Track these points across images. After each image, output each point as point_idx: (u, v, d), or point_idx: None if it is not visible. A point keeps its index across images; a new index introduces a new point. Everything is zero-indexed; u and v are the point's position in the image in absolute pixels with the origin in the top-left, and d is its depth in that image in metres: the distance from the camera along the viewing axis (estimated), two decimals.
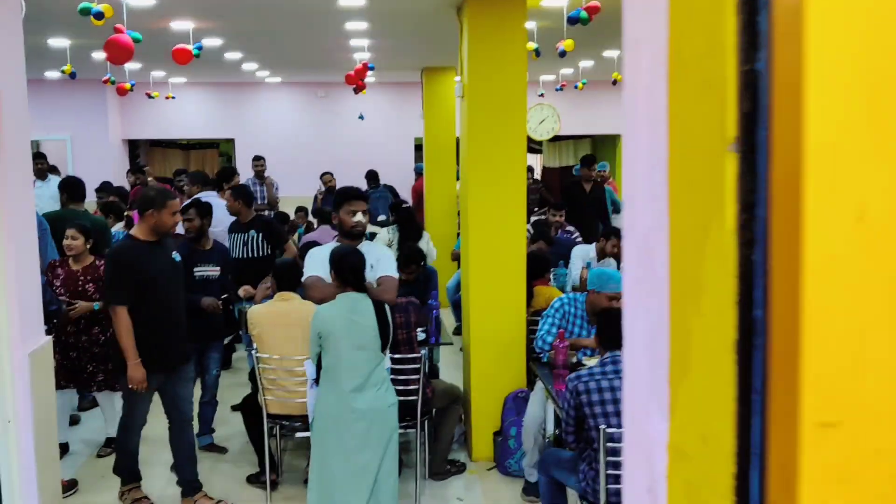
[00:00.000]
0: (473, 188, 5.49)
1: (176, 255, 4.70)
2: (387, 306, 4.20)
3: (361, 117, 13.81)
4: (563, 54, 6.71)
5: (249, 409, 5.05)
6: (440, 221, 10.08)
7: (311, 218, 10.73)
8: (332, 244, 4.68)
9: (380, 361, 4.11)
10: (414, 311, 4.76)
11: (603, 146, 15.77)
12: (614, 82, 10.39)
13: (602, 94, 13.12)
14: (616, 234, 6.86)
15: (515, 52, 5.44)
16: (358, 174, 11.95)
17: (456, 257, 8.25)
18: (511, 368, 5.51)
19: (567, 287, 6.83)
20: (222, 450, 5.70)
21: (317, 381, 4.12)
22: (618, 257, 6.75)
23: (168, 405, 4.72)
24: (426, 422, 4.96)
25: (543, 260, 6.28)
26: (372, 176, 11.80)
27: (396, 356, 4.57)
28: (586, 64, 11.05)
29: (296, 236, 9.80)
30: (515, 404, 5.33)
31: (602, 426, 3.62)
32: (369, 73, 9.46)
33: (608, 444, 3.59)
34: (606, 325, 4.02)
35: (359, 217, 4.59)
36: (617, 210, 9.54)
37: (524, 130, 5.62)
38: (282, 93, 14.68)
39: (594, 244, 7.32)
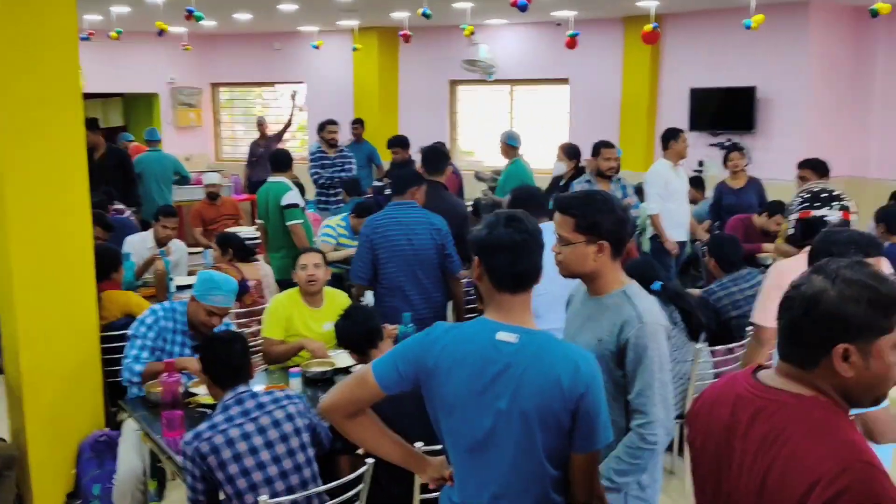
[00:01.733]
0: (7, 165, 3.93)
1: None
2: None
3: None
4: None
5: None
6: None
7: None
8: None
9: None
10: None
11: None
12: (160, 33, 8.97)
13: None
14: None
15: None
16: None
17: None
18: (84, 405, 4.14)
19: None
20: None
21: None
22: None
23: None
24: None
25: (110, 255, 4.92)
26: None
27: None
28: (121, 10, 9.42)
29: None
30: (96, 453, 4.02)
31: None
32: None
33: None
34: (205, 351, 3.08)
35: None
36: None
37: (77, 87, 4.19)
38: None
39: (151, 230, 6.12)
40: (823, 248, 2.76)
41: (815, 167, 6.22)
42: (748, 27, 7.52)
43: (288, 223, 6.23)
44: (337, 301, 4.58)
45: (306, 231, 6.36)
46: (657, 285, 4.50)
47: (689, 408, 1.99)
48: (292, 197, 6.24)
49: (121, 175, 8.05)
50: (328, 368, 4.13)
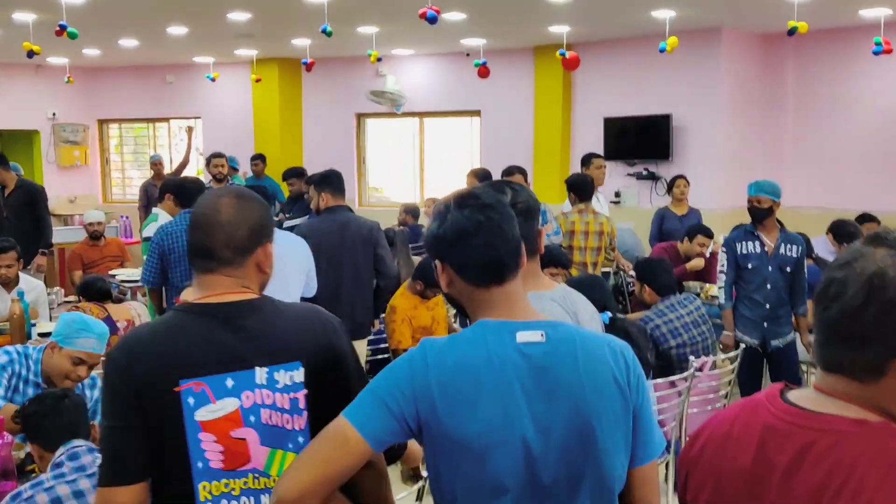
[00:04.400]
0: None
1: None
2: None
3: None
4: None
5: None
6: None
7: None
8: None
9: None
10: None
11: None
12: (30, 54, 8.11)
13: None
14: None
15: None
16: None
17: None
18: None
19: None
20: None
21: None
22: None
23: None
24: None
25: None
26: None
27: None
28: None
29: None
30: None
31: None
32: None
33: None
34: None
35: None
36: None
37: None
38: None
39: None
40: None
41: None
42: (663, 51, 7.33)
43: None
44: None
45: None
46: (606, 317, 4.02)
47: (684, 450, 1.43)
48: (151, 230, 5.58)
49: (29, 213, 7.16)
50: None
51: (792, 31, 6.66)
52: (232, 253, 1.74)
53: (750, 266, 4.93)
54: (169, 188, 5.76)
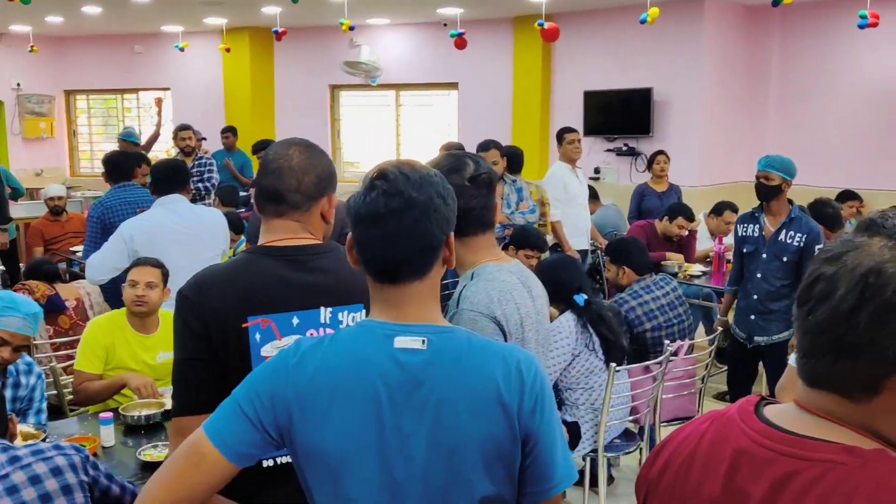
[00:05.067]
0: None
1: None
2: None
3: None
4: None
5: None
6: None
7: None
8: None
9: None
10: None
11: None
12: None
13: None
14: None
15: None
16: None
17: None
18: None
19: None
20: None
21: None
22: None
23: None
24: None
25: None
26: None
27: None
28: None
29: None
30: None
31: None
32: None
33: None
34: None
35: None
36: None
37: None
38: None
39: None
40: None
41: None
42: (644, 22, 7.09)
43: None
44: None
45: None
46: (581, 299, 3.83)
47: (644, 466, 1.23)
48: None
49: None
50: (155, 411, 3.24)
51: (777, 2, 6.44)
52: (301, 197, 1.83)
53: (745, 251, 4.55)
54: (104, 162, 5.44)
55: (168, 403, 3.29)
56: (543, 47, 9.46)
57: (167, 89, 11.62)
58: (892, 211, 1.01)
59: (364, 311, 1.81)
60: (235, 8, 9.27)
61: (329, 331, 1.77)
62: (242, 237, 6.07)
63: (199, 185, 7.37)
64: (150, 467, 2.77)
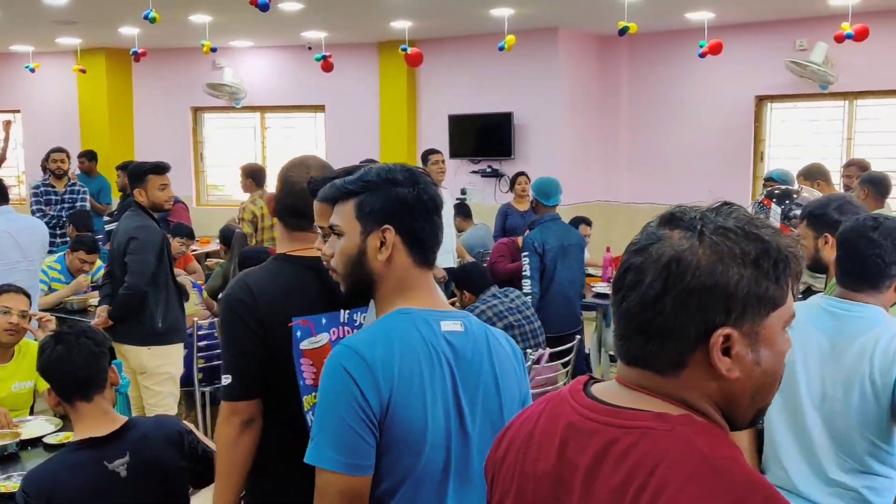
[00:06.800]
0: None
1: None
2: None
3: None
4: None
5: None
6: None
7: None
8: None
9: None
10: None
11: None
12: None
13: None
14: None
15: None
16: None
17: None
18: None
19: None
20: None
21: None
22: None
23: None
24: None
25: None
26: None
27: None
28: None
29: None
30: None
31: None
32: None
33: None
34: None
35: None
36: None
37: None
38: None
39: None
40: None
41: None
42: (502, 49, 7.40)
43: None
44: (31, 354, 3.59)
45: None
46: None
47: (491, 451, 1.34)
48: None
49: None
50: (9, 441, 3.12)
51: (623, 32, 6.87)
52: None
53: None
54: None
55: (24, 434, 3.17)
56: (409, 72, 9.66)
57: (17, 111, 11.07)
58: (688, 206, 1.15)
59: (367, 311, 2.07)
60: (90, 28, 8.97)
61: (347, 328, 2.10)
62: (99, 262, 5.91)
63: (72, 211, 7.15)
64: (2, 499, 2.67)
